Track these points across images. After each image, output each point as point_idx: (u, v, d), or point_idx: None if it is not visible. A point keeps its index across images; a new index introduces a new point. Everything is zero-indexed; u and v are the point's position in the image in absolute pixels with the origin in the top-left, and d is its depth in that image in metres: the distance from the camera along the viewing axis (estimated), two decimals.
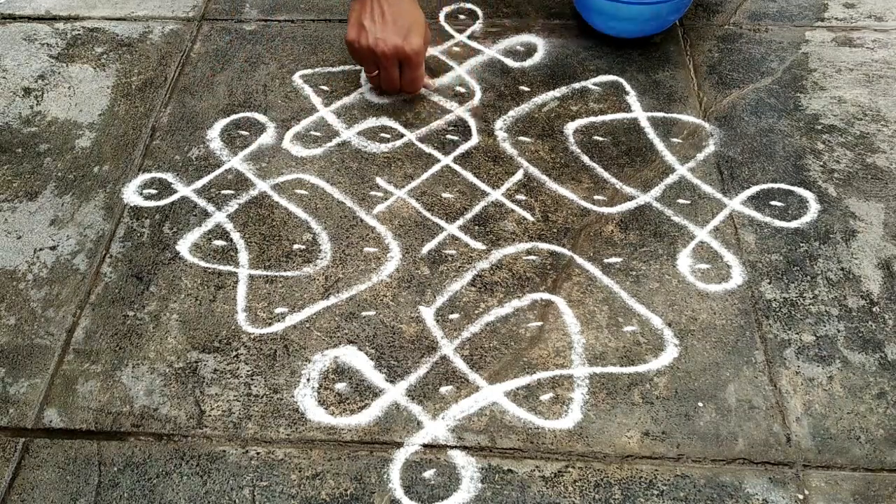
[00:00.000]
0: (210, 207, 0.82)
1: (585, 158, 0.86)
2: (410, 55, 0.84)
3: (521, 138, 0.88)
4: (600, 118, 0.90)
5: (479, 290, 0.75)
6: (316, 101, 0.93)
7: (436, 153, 0.87)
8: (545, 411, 0.66)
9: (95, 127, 0.91)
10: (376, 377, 0.69)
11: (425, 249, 0.78)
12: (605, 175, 0.84)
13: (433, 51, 0.99)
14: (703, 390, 0.67)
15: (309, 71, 0.97)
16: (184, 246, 0.79)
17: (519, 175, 0.85)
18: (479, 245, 0.78)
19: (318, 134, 0.89)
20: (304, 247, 0.78)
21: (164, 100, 0.94)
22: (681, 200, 0.82)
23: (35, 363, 0.70)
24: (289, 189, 0.83)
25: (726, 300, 0.73)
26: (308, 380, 0.68)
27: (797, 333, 0.71)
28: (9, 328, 0.73)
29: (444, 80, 0.95)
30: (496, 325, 0.72)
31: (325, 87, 0.95)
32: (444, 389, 0.68)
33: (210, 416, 0.66)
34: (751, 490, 0.61)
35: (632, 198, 0.82)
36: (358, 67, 0.97)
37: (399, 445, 0.64)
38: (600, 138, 0.88)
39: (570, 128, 0.89)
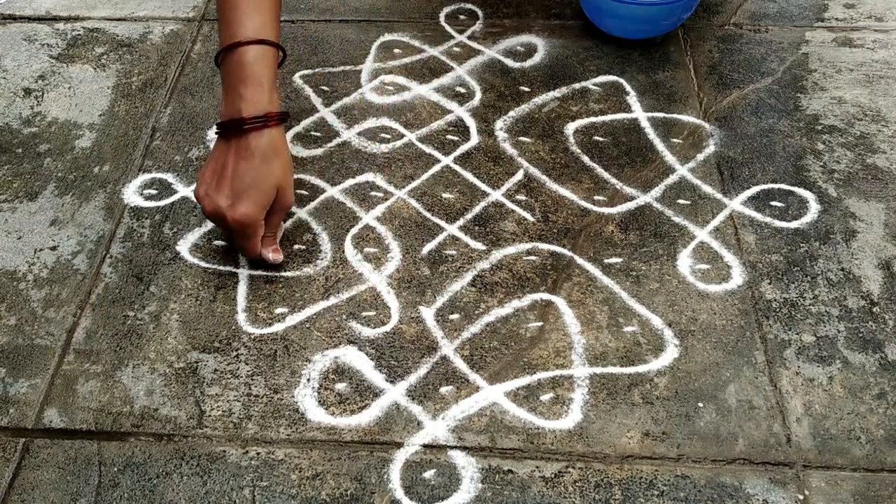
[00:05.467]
0: None
1: (586, 159, 0.86)
2: (230, 223, 0.70)
3: (522, 138, 0.88)
4: (600, 118, 0.90)
5: (480, 290, 0.75)
6: (316, 101, 0.93)
7: (436, 153, 0.87)
8: (545, 411, 0.66)
9: (95, 127, 0.91)
10: (376, 377, 0.69)
11: (425, 250, 0.78)
12: (606, 175, 0.84)
13: (434, 51, 0.99)
14: (703, 390, 0.67)
15: (309, 71, 0.97)
16: (184, 246, 0.79)
17: (519, 175, 0.85)
18: (479, 245, 0.78)
19: (318, 134, 0.89)
20: (304, 247, 0.78)
21: (164, 100, 0.94)
22: (681, 201, 0.82)
23: (35, 363, 0.70)
24: None
25: (726, 300, 0.73)
26: (308, 380, 0.68)
27: (797, 334, 0.71)
28: (9, 328, 0.73)
29: (445, 80, 0.95)
30: (496, 325, 0.72)
31: (325, 88, 0.95)
32: (444, 390, 0.68)
33: (210, 416, 0.66)
34: (751, 490, 0.61)
35: (632, 198, 0.82)
36: (359, 67, 0.97)
37: (399, 446, 0.64)
38: (600, 138, 0.88)
39: (570, 128, 0.89)
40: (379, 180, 0.84)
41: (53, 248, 0.79)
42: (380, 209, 0.82)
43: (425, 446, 0.64)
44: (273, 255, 0.75)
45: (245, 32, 0.71)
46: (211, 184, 0.71)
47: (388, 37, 1.01)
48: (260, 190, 0.70)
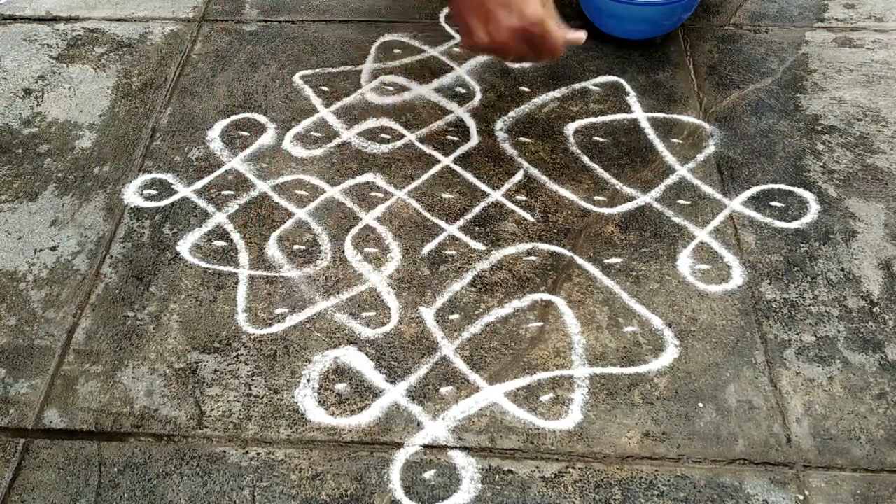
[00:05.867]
0: (210, 208, 0.82)
1: (586, 159, 0.86)
2: (529, 29, 0.70)
3: (522, 139, 0.88)
4: (600, 119, 0.90)
5: (480, 290, 0.75)
6: (316, 101, 0.93)
7: (436, 154, 0.87)
8: (545, 412, 0.66)
9: (96, 128, 0.91)
10: (376, 378, 0.69)
11: (425, 250, 0.78)
12: (606, 175, 0.84)
13: (434, 51, 0.99)
14: (703, 391, 0.67)
15: (309, 72, 0.97)
16: (184, 246, 0.79)
17: (519, 175, 0.85)
18: (479, 245, 0.78)
19: (318, 135, 0.89)
20: (304, 247, 0.78)
21: (164, 100, 0.94)
22: (681, 201, 0.82)
23: (35, 364, 0.70)
24: (289, 190, 0.83)
25: (726, 301, 0.73)
26: (308, 380, 0.68)
27: (797, 334, 0.71)
28: (9, 329, 0.73)
29: (445, 80, 0.95)
30: (496, 325, 0.72)
31: (325, 88, 0.95)
32: (444, 390, 0.68)
33: (210, 416, 0.66)
34: (751, 490, 0.61)
35: (632, 198, 0.82)
36: (359, 68, 0.97)
37: (399, 446, 0.64)
38: (600, 139, 0.88)
39: (570, 128, 0.89)
40: (379, 180, 0.84)
41: (53, 249, 0.79)
42: (380, 209, 0.82)
43: (425, 446, 0.64)
44: (577, 34, 0.73)
45: None
46: (490, 13, 0.69)
47: (388, 37, 1.01)
48: None
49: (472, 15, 0.71)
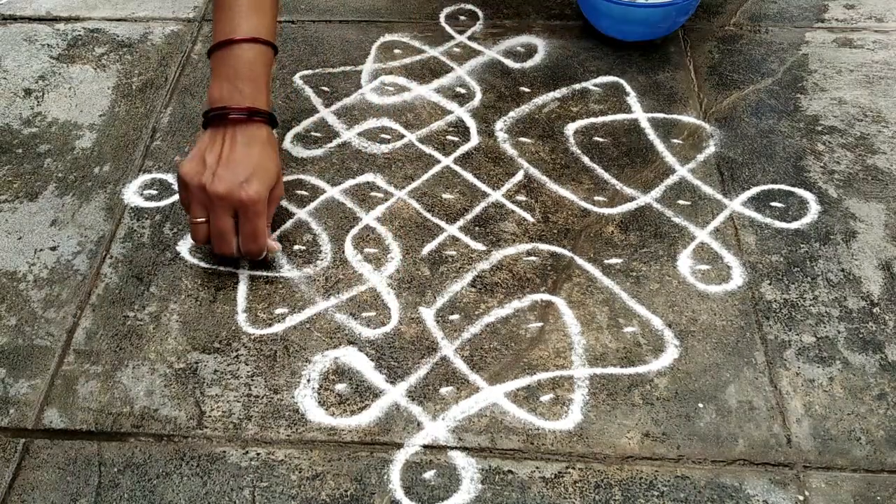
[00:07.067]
0: None
1: (586, 159, 0.86)
2: (245, 200, 0.69)
3: (522, 139, 0.88)
4: (601, 119, 0.90)
5: (480, 290, 0.75)
6: (316, 101, 0.93)
7: (436, 154, 0.87)
8: (545, 412, 0.66)
9: (96, 128, 0.91)
10: (376, 378, 0.69)
11: (425, 250, 0.78)
12: (606, 176, 0.84)
13: (434, 51, 0.99)
14: (703, 391, 0.67)
15: (309, 72, 0.97)
16: (184, 246, 0.79)
17: (519, 176, 0.85)
18: (479, 246, 0.78)
19: (318, 135, 0.89)
20: (304, 247, 0.78)
21: (164, 100, 0.94)
22: (681, 201, 0.82)
23: (35, 364, 0.70)
24: (289, 190, 0.83)
25: (727, 301, 0.73)
26: (308, 380, 0.68)
27: (797, 334, 0.71)
28: (9, 329, 0.73)
29: (445, 80, 0.95)
30: (496, 325, 0.72)
31: (325, 88, 0.95)
32: (444, 390, 0.68)
33: (210, 416, 0.66)
34: (751, 491, 0.61)
35: (632, 199, 0.82)
36: (359, 68, 0.97)
37: (399, 446, 0.64)
38: (601, 139, 0.88)
39: (570, 129, 0.89)
40: (379, 181, 0.84)
41: (53, 249, 0.79)
42: (380, 210, 0.82)
43: (425, 447, 0.64)
44: (275, 243, 0.76)
45: (244, 30, 0.73)
46: (213, 166, 0.70)
47: (388, 37, 1.01)
48: (268, 172, 0.72)
49: (214, 152, 0.71)
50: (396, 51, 1.00)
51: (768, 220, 0.80)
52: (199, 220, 0.72)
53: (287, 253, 0.78)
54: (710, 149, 0.87)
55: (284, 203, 0.82)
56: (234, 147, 0.71)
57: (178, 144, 0.89)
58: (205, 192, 0.70)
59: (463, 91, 0.94)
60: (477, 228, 0.80)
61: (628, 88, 0.94)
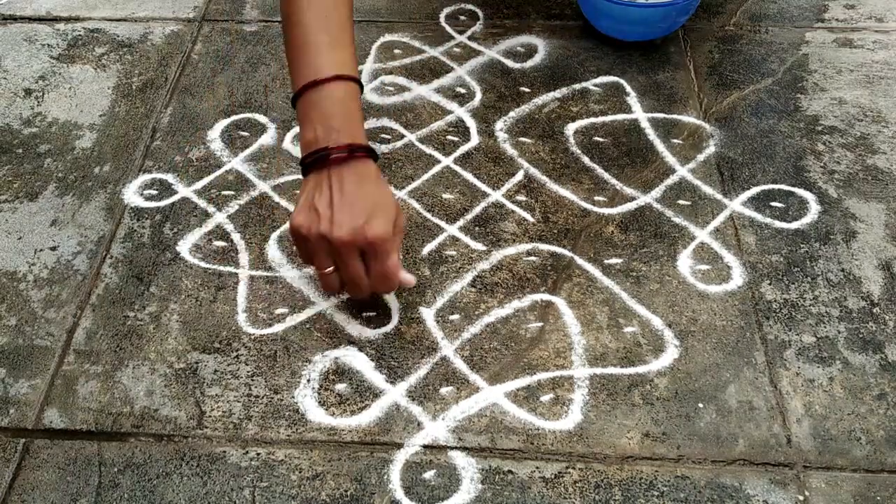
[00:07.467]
0: (210, 208, 0.82)
1: (586, 159, 0.86)
2: (373, 241, 0.64)
3: (522, 139, 0.88)
4: (601, 119, 0.90)
5: (480, 290, 0.75)
6: None
7: (436, 154, 0.87)
8: (545, 412, 0.66)
9: (96, 128, 0.91)
10: (376, 378, 0.68)
11: (426, 250, 0.78)
12: (606, 176, 0.84)
13: (434, 51, 0.99)
14: (703, 391, 0.67)
15: None
16: (184, 247, 0.79)
17: (519, 176, 0.85)
18: (479, 246, 0.78)
19: None
20: None
21: (164, 100, 0.94)
22: (681, 201, 0.82)
23: (35, 364, 0.70)
24: (289, 190, 0.83)
25: (727, 301, 0.73)
26: (308, 380, 0.68)
27: (797, 334, 0.71)
28: (9, 329, 0.73)
29: (445, 80, 0.95)
30: (496, 325, 0.72)
31: None
32: (444, 390, 0.68)
33: (210, 416, 0.66)
34: (751, 491, 0.61)
35: (632, 199, 0.82)
36: (359, 68, 0.97)
37: (399, 446, 0.64)
38: (601, 139, 0.88)
39: (570, 129, 0.89)
40: None
41: (53, 249, 0.79)
42: None
43: (425, 447, 0.64)
44: (409, 276, 0.70)
45: (327, 69, 0.67)
46: (327, 213, 0.64)
47: (388, 37, 1.01)
48: (387, 208, 0.66)
49: (324, 198, 0.65)
50: (396, 51, 1.00)
51: (768, 220, 0.80)
52: (327, 270, 0.67)
53: (287, 253, 0.78)
54: (710, 149, 0.87)
55: (285, 203, 0.82)
56: (343, 188, 0.65)
57: (179, 144, 0.89)
58: (326, 240, 0.65)
59: (463, 91, 0.94)
60: (477, 228, 0.80)
61: (628, 88, 0.94)
